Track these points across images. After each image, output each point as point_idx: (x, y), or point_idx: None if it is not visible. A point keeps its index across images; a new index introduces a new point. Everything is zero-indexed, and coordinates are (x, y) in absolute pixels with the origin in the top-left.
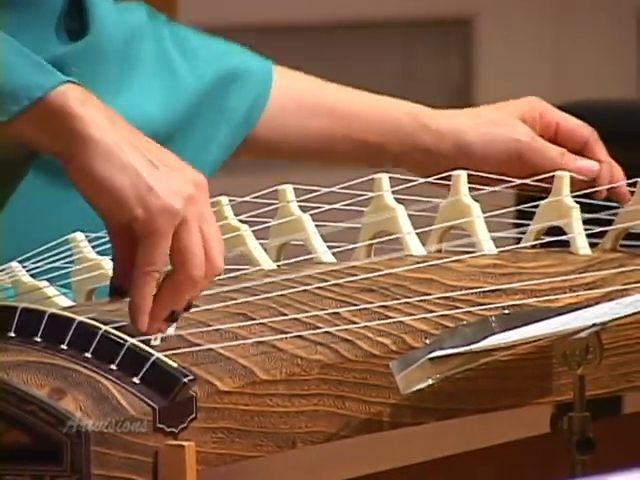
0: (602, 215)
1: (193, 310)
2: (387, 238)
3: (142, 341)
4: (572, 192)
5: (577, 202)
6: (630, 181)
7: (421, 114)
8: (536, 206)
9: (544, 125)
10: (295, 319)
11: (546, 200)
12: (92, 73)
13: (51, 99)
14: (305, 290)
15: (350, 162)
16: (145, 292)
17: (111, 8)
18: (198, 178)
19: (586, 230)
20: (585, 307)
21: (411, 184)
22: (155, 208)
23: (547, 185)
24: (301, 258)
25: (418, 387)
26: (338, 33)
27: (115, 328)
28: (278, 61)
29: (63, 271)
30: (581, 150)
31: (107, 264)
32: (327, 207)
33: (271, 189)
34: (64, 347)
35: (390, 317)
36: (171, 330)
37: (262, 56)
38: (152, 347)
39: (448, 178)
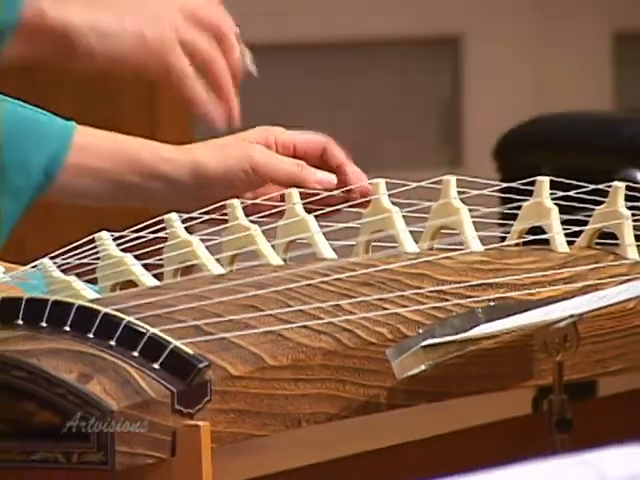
0: (579, 216)
1: (207, 302)
2: (382, 235)
3: (166, 331)
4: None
5: (556, 204)
6: (371, 181)
7: (158, 147)
8: (519, 208)
9: (282, 146)
10: (300, 310)
11: (528, 202)
12: None
13: (28, 19)
14: (309, 284)
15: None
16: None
17: None
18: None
19: (564, 230)
20: (563, 300)
21: (404, 188)
22: (156, 48)
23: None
24: (306, 252)
25: (412, 372)
26: (338, 51)
27: (137, 319)
28: (279, 77)
29: (90, 267)
30: (321, 157)
31: (130, 260)
32: (329, 209)
33: (279, 192)
34: (91, 336)
35: (386, 309)
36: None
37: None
38: (173, 331)
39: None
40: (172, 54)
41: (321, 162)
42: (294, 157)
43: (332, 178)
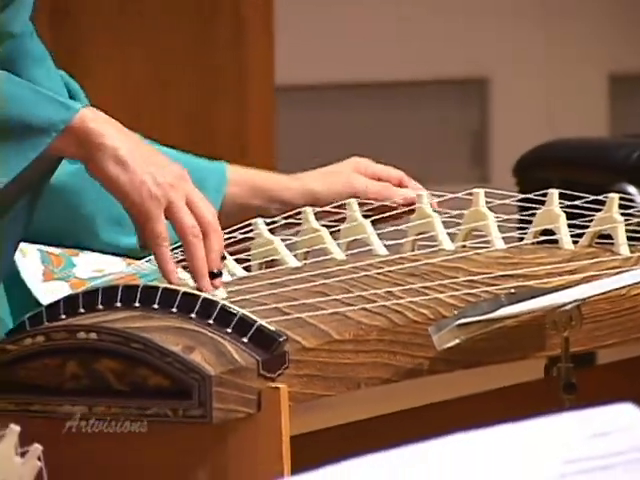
0: (582, 221)
1: (286, 289)
2: (425, 235)
3: (256, 312)
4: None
5: (563, 211)
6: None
7: (276, 176)
8: (534, 214)
9: (370, 175)
10: (360, 295)
11: (541, 210)
12: None
13: (72, 125)
14: (367, 275)
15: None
16: (165, 258)
17: None
18: (178, 170)
19: (570, 232)
20: (569, 287)
21: (443, 199)
22: (145, 198)
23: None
24: (363, 250)
25: (449, 345)
26: (386, 90)
27: (230, 302)
28: (342, 113)
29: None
30: (399, 185)
31: (277, 242)
32: (384, 215)
33: (340, 202)
34: (193, 316)
35: (428, 294)
36: (222, 292)
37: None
38: (261, 313)
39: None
40: (154, 210)
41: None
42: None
43: (411, 193)
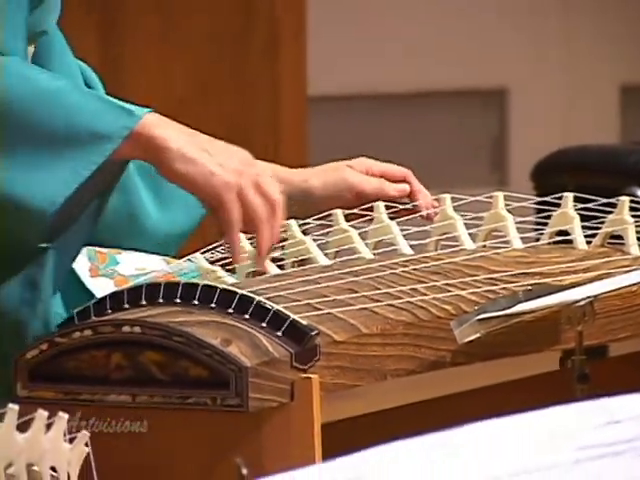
0: (594, 223)
1: (317, 286)
2: (448, 236)
3: (289, 308)
4: (395, 217)
5: (578, 213)
6: (440, 196)
7: (277, 170)
8: (550, 216)
9: (376, 173)
10: (387, 292)
11: (556, 212)
12: None
13: (136, 131)
14: (393, 272)
15: None
16: (235, 242)
17: None
18: (244, 156)
19: (584, 232)
20: (583, 285)
21: (465, 201)
22: (217, 186)
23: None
24: (389, 249)
25: (470, 339)
26: (411, 100)
27: (265, 299)
28: (368, 121)
29: (230, 259)
30: (402, 182)
31: (309, 242)
32: (411, 217)
33: (368, 205)
34: (230, 311)
35: (451, 291)
36: (273, 269)
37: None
38: (294, 308)
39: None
40: (227, 196)
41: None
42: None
43: (405, 186)
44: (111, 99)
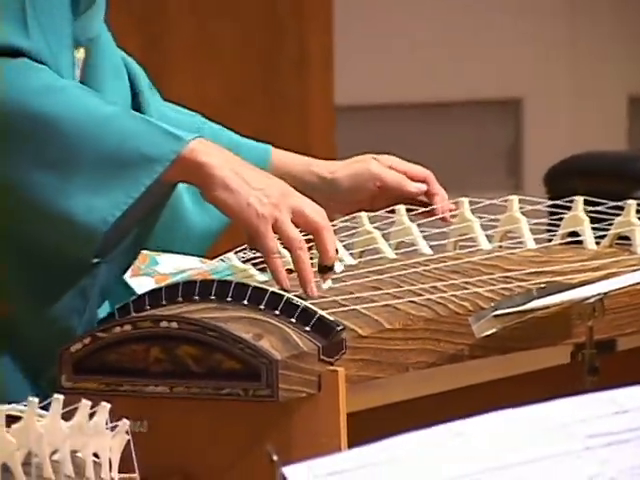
0: (603, 225)
1: (343, 284)
2: (466, 237)
3: (316, 304)
4: (415, 219)
5: (588, 216)
6: (459, 199)
7: (308, 164)
8: (561, 219)
9: (399, 171)
10: (408, 290)
11: (568, 215)
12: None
13: (183, 156)
14: (415, 271)
15: None
16: (277, 268)
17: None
18: (281, 187)
19: (593, 234)
20: (592, 283)
21: (482, 205)
22: (254, 217)
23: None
24: (410, 250)
25: (487, 333)
26: (431, 110)
27: (294, 296)
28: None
29: (262, 259)
30: (423, 183)
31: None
32: (428, 220)
33: (390, 208)
34: (262, 307)
35: (468, 289)
36: (325, 285)
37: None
38: (321, 305)
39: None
40: (262, 227)
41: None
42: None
43: (422, 185)
44: (160, 124)
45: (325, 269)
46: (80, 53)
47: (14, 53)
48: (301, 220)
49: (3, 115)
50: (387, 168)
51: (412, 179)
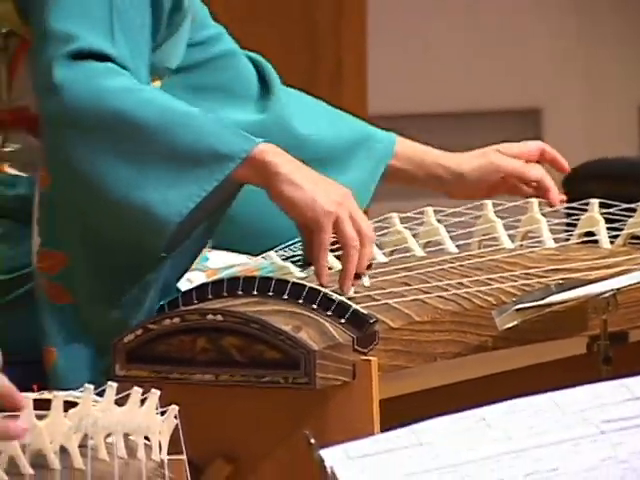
0: (617, 225)
1: (375, 279)
2: (489, 237)
3: (350, 298)
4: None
5: (603, 217)
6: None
7: (437, 156)
8: (578, 219)
9: (512, 154)
10: (436, 285)
11: (584, 216)
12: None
13: (253, 155)
14: (442, 268)
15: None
16: (323, 264)
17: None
18: (342, 190)
19: (607, 233)
20: (607, 279)
21: (504, 207)
22: (319, 211)
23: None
24: (437, 248)
25: (509, 326)
26: (451, 119)
27: (331, 291)
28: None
29: (298, 257)
30: (541, 155)
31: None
32: (453, 220)
33: (419, 210)
34: (301, 302)
35: (492, 284)
36: (366, 282)
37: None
38: (355, 299)
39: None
40: (325, 222)
41: (541, 157)
42: (528, 161)
43: (538, 177)
44: (231, 125)
45: (357, 276)
46: (157, 84)
47: (100, 57)
48: (354, 224)
49: (85, 112)
50: (508, 158)
51: (529, 159)
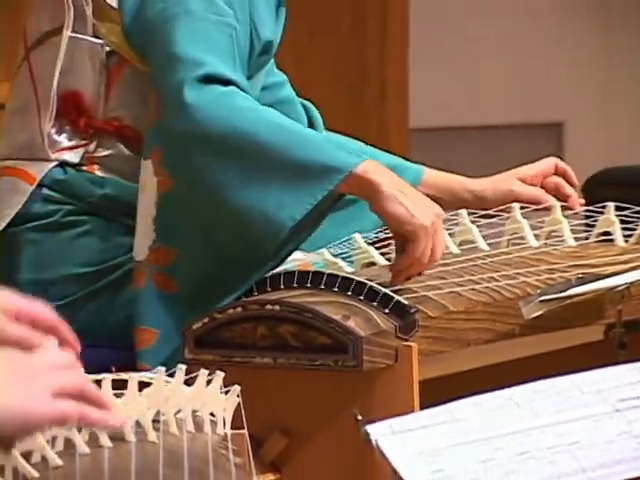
0: (631, 226)
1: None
2: (517, 236)
3: (393, 291)
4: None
5: (618, 218)
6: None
7: (464, 183)
8: (596, 220)
9: (530, 178)
10: (469, 279)
11: (601, 217)
12: None
13: (356, 171)
14: (474, 264)
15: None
16: (403, 270)
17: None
18: (437, 209)
19: (622, 233)
20: (622, 274)
21: (530, 209)
22: (417, 226)
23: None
24: (469, 246)
25: (534, 315)
26: (479, 133)
27: (376, 284)
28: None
29: (349, 254)
30: (556, 170)
31: (372, 251)
32: (485, 221)
33: (455, 212)
34: (349, 293)
35: (519, 278)
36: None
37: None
38: (397, 291)
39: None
40: (422, 235)
41: (555, 170)
42: (545, 175)
43: (552, 203)
44: (337, 143)
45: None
46: None
47: (225, 82)
48: (434, 243)
49: (214, 128)
50: (526, 187)
51: (546, 174)
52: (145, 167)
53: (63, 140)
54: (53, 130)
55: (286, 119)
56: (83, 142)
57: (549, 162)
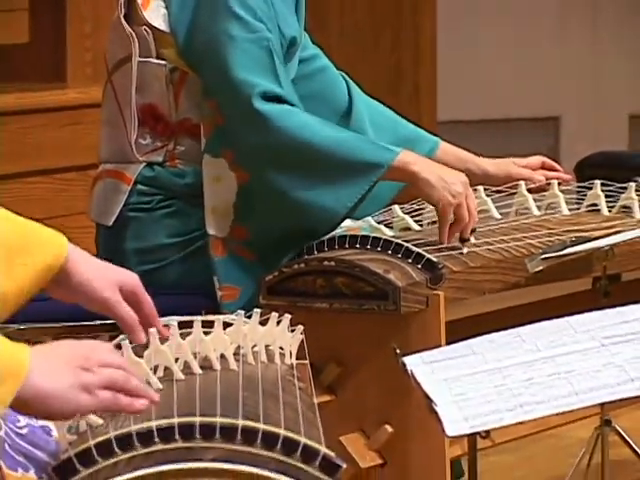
0: (614, 199)
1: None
2: (523, 207)
3: (425, 250)
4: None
5: (604, 193)
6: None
7: (472, 157)
8: (585, 195)
9: (522, 165)
10: (485, 241)
11: (590, 192)
12: None
13: (396, 163)
14: (489, 229)
15: None
16: (445, 229)
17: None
18: (462, 176)
19: (606, 204)
20: (606, 237)
21: (535, 185)
22: (445, 202)
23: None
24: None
25: (537, 269)
26: (481, 126)
27: (412, 245)
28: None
29: (389, 221)
30: (542, 165)
31: (407, 218)
32: (498, 195)
33: (474, 187)
34: (389, 252)
35: (524, 240)
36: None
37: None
38: (428, 251)
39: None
40: (448, 210)
41: (543, 166)
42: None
43: (542, 179)
44: (373, 140)
45: (462, 240)
46: None
47: (275, 98)
48: (468, 207)
49: (281, 137)
50: (520, 168)
51: (534, 168)
52: (217, 163)
53: (148, 144)
54: (138, 137)
55: (332, 127)
56: (163, 143)
57: (537, 158)
